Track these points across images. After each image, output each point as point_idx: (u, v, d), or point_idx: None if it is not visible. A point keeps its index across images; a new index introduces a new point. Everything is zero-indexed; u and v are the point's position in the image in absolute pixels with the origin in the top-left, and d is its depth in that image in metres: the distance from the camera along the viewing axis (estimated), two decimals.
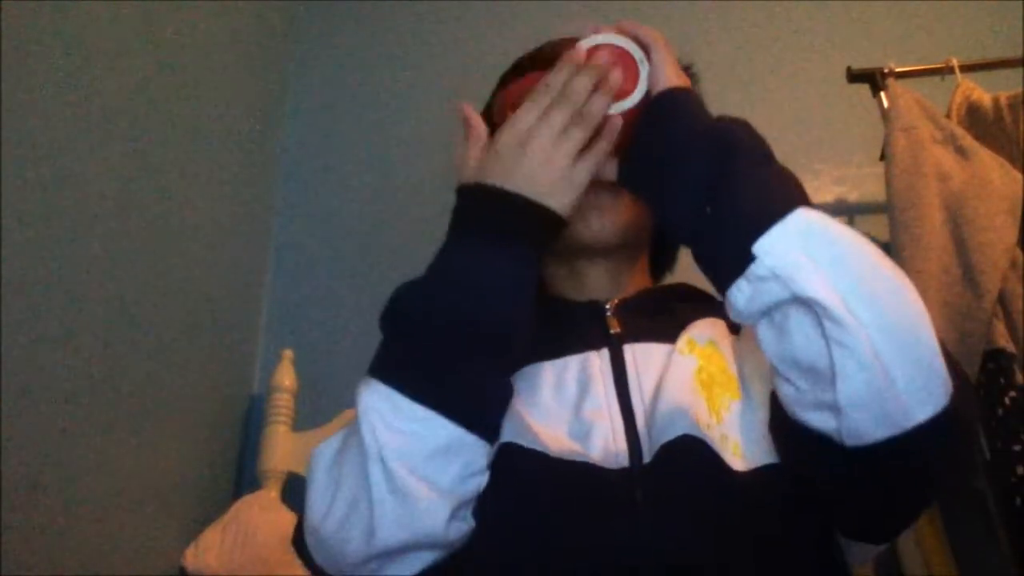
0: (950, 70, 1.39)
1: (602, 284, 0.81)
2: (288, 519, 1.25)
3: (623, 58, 0.68)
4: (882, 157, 1.33)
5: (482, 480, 0.64)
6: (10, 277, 0.86)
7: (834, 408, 0.56)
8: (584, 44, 0.68)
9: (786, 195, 0.61)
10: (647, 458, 0.64)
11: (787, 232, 0.57)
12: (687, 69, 0.83)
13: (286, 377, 1.40)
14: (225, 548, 1.18)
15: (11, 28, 0.86)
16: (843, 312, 0.55)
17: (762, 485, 0.63)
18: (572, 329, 0.75)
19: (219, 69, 1.43)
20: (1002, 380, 1.17)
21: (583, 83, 0.66)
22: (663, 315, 0.77)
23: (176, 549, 1.19)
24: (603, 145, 0.67)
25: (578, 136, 0.66)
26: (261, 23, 1.64)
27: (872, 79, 1.39)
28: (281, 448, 1.34)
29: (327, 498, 0.61)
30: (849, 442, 0.57)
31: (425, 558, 0.62)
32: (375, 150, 1.70)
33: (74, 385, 0.97)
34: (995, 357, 1.19)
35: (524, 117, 0.66)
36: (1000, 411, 1.16)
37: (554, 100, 0.66)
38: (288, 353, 1.42)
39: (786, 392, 0.60)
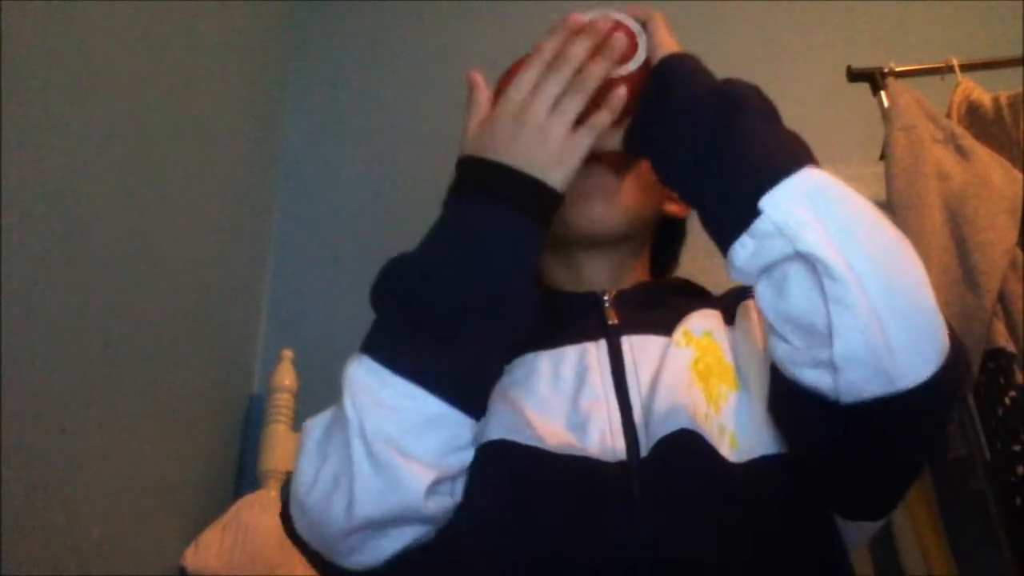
0: (950, 70, 1.39)
1: (601, 276, 0.80)
2: None
3: (620, 28, 0.69)
4: (882, 157, 1.33)
5: (466, 456, 0.63)
6: (10, 277, 0.86)
7: (830, 365, 0.56)
8: (579, 18, 0.68)
9: (793, 152, 0.61)
10: (644, 451, 0.64)
11: (793, 189, 0.58)
12: None
13: (286, 377, 1.40)
14: (225, 548, 1.18)
15: (11, 28, 0.86)
16: (844, 270, 0.55)
17: (759, 477, 0.63)
18: (570, 320, 0.75)
19: (219, 69, 1.43)
20: (1002, 380, 1.17)
21: (578, 49, 0.66)
22: (661, 308, 0.76)
23: (176, 549, 1.19)
24: (604, 116, 0.66)
25: (574, 105, 0.65)
26: (261, 23, 1.64)
27: (872, 79, 1.38)
28: (281, 448, 1.34)
29: (313, 470, 0.62)
30: (844, 399, 0.57)
31: (407, 533, 0.62)
32: (375, 150, 1.70)
33: (74, 385, 0.97)
34: (995, 357, 1.19)
35: (519, 87, 0.66)
36: (1000, 411, 1.16)
37: (548, 67, 0.66)
38: (288, 353, 1.42)
39: (783, 350, 0.60)
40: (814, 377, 0.58)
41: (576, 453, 0.65)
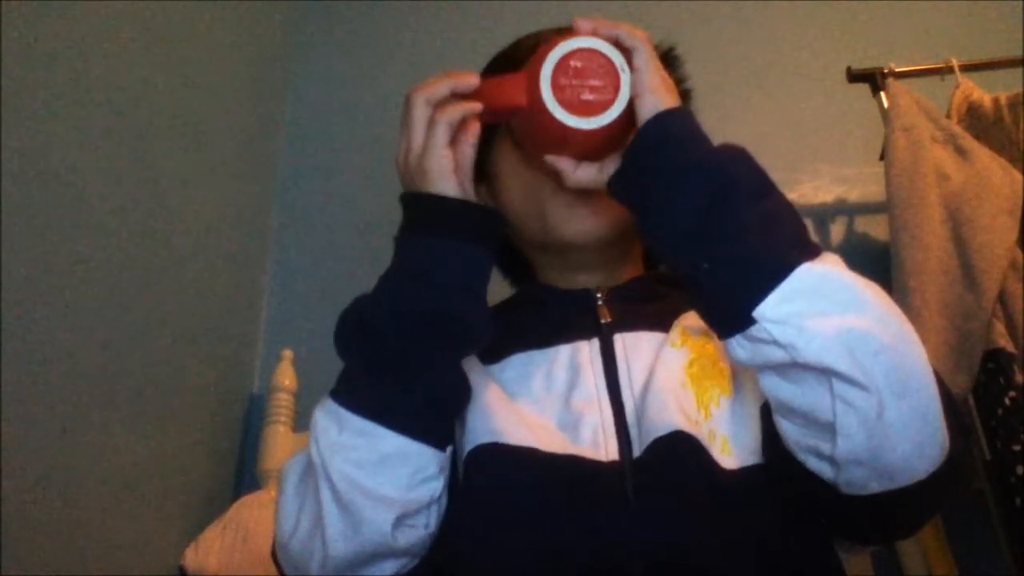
0: (950, 70, 1.39)
1: (594, 274, 0.80)
2: None
3: (601, 63, 0.63)
4: (882, 157, 1.34)
5: (435, 485, 0.63)
6: (10, 277, 0.86)
7: (831, 460, 0.56)
8: (557, 52, 0.62)
9: (788, 244, 0.57)
10: (637, 451, 0.64)
11: (790, 293, 0.55)
12: (668, 53, 0.82)
13: (286, 377, 1.40)
14: (225, 548, 1.18)
15: (11, 28, 0.86)
16: (853, 374, 0.53)
17: (754, 484, 0.63)
18: (562, 318, 0.75)
19: (219, 69, 1.43)
20: (1002, 380, 1.18)
21: (440, 89, 0.68)
22: (655, 302, 0.76)
23: (176, 549, 1.19)
24: (472, 132, 0.67)
25: (443, 124, 0.65)
26: (261, 23, 1.64)
27: (872, 79, 1.39)
28: (281, 448, 1.34)
29: (293, 516, 0.63)
30: (845, 491, 0.58)
31: (386, 567, 0.62)
32: (375, 150, 1.70)
33: (74, 385, 0.97)
34: (995, 357, 1.19)
35: (400, 141, 0.68)
36: (1000, 411, 1.17)
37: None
38: (288, 353, 1.42)
39: (784, 428, 0.60)
40: (816, 465, 0.59)
41: (569, 453, 0.64)
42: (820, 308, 0.55)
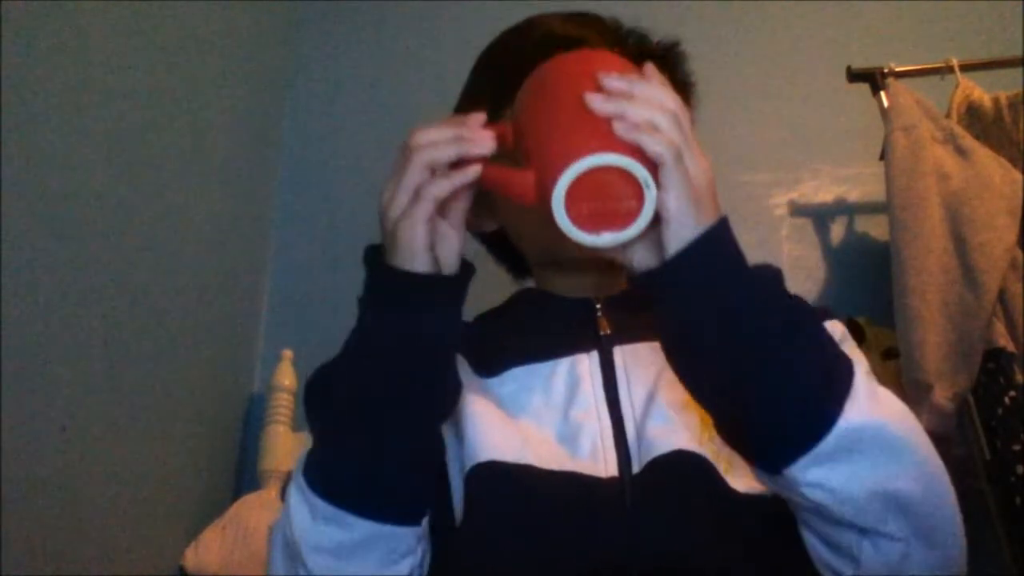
0: (950, 70, 1.39)
1: (594, 282, 0.78)
2: None
3: (621, 178, 0.53)
4: (882, 157, 1.33)
5: (412, 560, 0.62)
6: (10, 276, 0.86)
7: (852, 567, 0.57)
8: (572, 172, 0.52)
9: (822, 391, 0.54)
10: (637, 467, 0.63)
11: (821, 458, 0.53)
12: (672, 47, 0.80)
13: (286, 377, 1.40)
14: (225, 548, 1.18)
15: (11, 28, 0.86)
16: (883, 529, 0.54)
17: (765, 509, 0.61)
18: (562, 329, 0.74)
19: (219, 69, 1.43)
20: (1002, 380, 1.18)
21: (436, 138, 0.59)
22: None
23: (176, 549, 1.19)
24: (463, 205, 0.60)
25: (430, 201, 0.58)
26: (261, 23, 1.64)
27: (872, 79, 1.39)
28: (281, 448, 1.34)
29: None
30: None
31: None
32: (375, 150, 1.70)
33: (74, 384, 0.97)
34: (995, 357, 1.19)
35: (386, 186, 0.61)
36: (1000, 411, 1.17)
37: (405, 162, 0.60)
38: (288, 353, 1.42)
39: (804, 535, 0.60)
40: (837, 564, 0.58)
41: (567, 469, 0.63)
42: (853, 469, 0.54)
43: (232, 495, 1.38)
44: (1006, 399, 1.17)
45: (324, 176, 1.70)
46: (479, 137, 0.58)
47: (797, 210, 1.61)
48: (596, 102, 0.53)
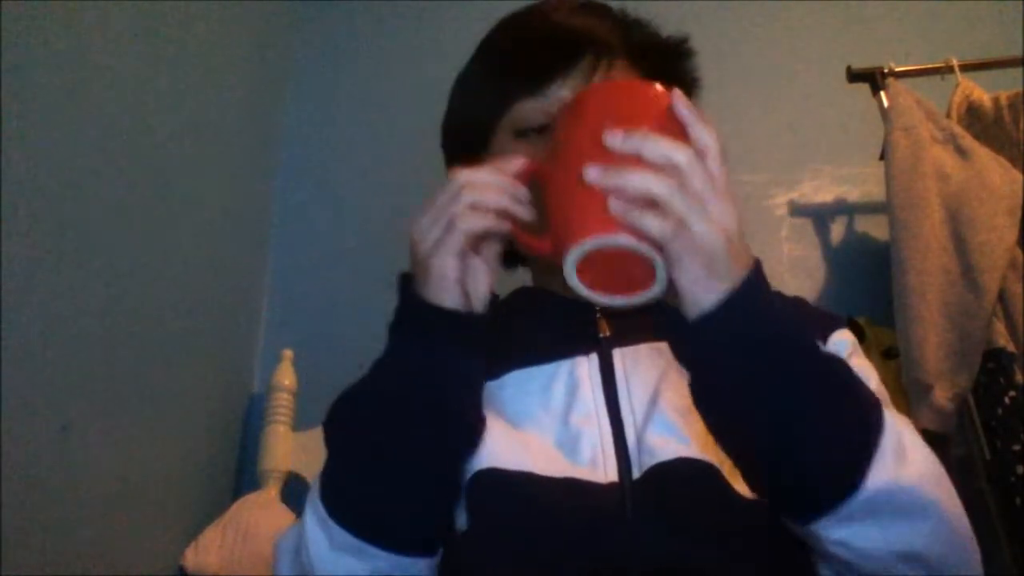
0: (950, 70, 1.39)
1: None
2: (288, 519, 1.25)
3: (630, 255, 0.52)
4: (882, 157, 1.34)
5: None
6: (10, 276, 0.86)
7: None
8: (577, 252, 0.52)
9: (848, 449, 0.54)
10: (637, 472, 0.63)
11: (844, 519, 0.53)
12: (681, 44, 0.80)
13: (286, 377, 1.40)
14: (225, 548, 1.18)
15: (11, 28, 0.86)
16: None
17: (766, 513, 0.60)
18: (561, 331, 0.73)
19: (219, 68, 1.43)
20: (1002, 380, 1.18)
21: (463, 200, 0.58)
22: (655, 308, 0.74)
23: (176, 549, 1.19)
24: (493, 244, 0.61)
25: (463, 233, 0.58)
26: (261, 23, 1.64)
27: (872, 79, 1.39)
28: (281, 448, 1.34)
29: None
30: None
31: None
32: (375, 149, 1.70)
33: (74, 384, 0.97)
34: (995, 357, 1.19)
35: (419, 217, 0.61)
36: (1000, 411, 1.17)
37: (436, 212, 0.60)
38: (288, 353, 1.42)
39: (825, 567, 0.60)
40: None
41: (567, 475, 0.63)
42: (877, 530, 0.54)
43: (232, 495, 1.38)
44: (1006, 399, 1.17)
45: (324, 176, 1.70)
46: (522, 196, 0.59)
47: (797, 210, 1.61)
48: (593, 175, 0.52)
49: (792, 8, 1.74)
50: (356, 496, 0.61)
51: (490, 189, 0.58)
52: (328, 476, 0.63)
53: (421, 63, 1.75)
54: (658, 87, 0.57)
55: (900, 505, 0.54)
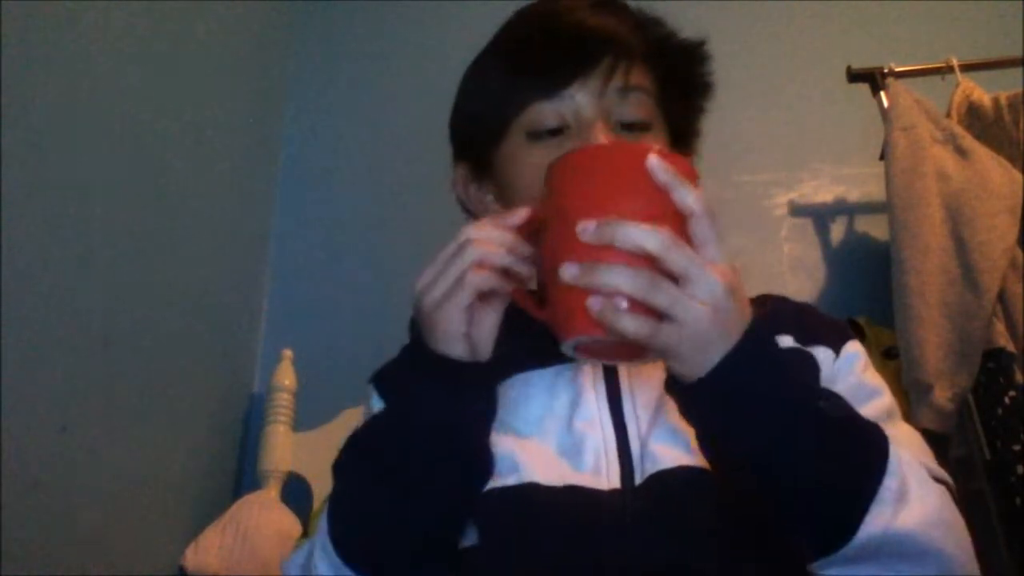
0: (950, 70, 1.39)
1: None
2: (288, 519, 1.25)
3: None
4: (882, 157, 1.34)
5: None
6: (10, 277, 0.86)
7: None
8: (569, 344, 0.56)
9: (841, 513, 0.54)
10: (639, 479, 0.62)
11: (840, 560, 0.54)
12: (700, 45, 0.79)
13: (286, 377, 1.40)
14: (225, 548, 1.18)
15: (11, 28, 0.86)
16: None
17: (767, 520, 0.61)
18: None
19: (219, 69, 1.43)
20: (1002, 380, 1.18)
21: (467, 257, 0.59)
22: None
23: (176, 549, 1.19)
24: (498, 296, 0.61)
25: (472, 289, 0.58)
26: (261, 23, 1.64)
27: (872, 79, 1.39)
28: (281, 448, 1.34)
29: None
30: None
31: None
32: (374, 150, 1.70)
33: (74, 385, 0.97)
34: (995, 357, 1.19)
35: (426, 270, 0.61)
36: (1000, 411, 1.17)
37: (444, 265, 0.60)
38: (288, 353, 1.42)
39: None
40: None
41: (570, 483, 0.63)
42: (877, 569, 0.54)
43: (232, 495, 1.38)
44: (1006, 399, 1.17)
45: (324, 177, 1.70)
46: (526, 252, 0.59)
47: (797, 210, 1.61)
48: (568, 275, 0.52)
49: (792, 8, 1.74)
50: (363, 536, 0.62)
51: (495, 245, 0.59)
52: (337, 509, 0.64)
53: (421, 63, 1.75)
54: (638, 150, 0.58)
55: (898, 550, 0.53)
